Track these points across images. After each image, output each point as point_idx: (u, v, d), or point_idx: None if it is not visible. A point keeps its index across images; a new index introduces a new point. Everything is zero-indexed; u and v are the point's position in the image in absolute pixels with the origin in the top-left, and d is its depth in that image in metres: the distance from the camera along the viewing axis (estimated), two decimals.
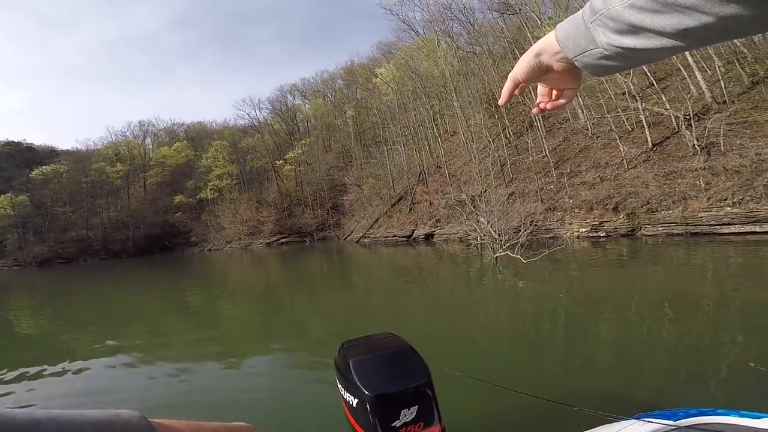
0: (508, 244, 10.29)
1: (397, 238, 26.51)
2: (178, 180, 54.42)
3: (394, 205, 31.10)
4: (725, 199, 13.01)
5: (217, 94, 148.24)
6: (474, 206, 12.76)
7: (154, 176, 56.05)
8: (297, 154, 47.89)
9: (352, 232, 33.95)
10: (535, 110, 0.81)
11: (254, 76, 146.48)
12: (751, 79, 19.58)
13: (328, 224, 39.59)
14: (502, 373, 3.97)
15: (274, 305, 9.96)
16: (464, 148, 27.28)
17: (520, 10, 29.41)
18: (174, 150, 57.74)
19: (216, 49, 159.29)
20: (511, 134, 25.14)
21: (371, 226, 31.02)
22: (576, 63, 0.61)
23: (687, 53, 19.55)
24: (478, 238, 11.93)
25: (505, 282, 8.94)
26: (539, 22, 27.85)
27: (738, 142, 15.24)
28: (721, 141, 15.29)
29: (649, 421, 1.59)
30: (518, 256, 9.63)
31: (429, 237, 23.79)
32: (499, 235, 10.69)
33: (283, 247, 37.75)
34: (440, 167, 29.64)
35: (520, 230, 10.88)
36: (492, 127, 25.77)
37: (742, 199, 12.82)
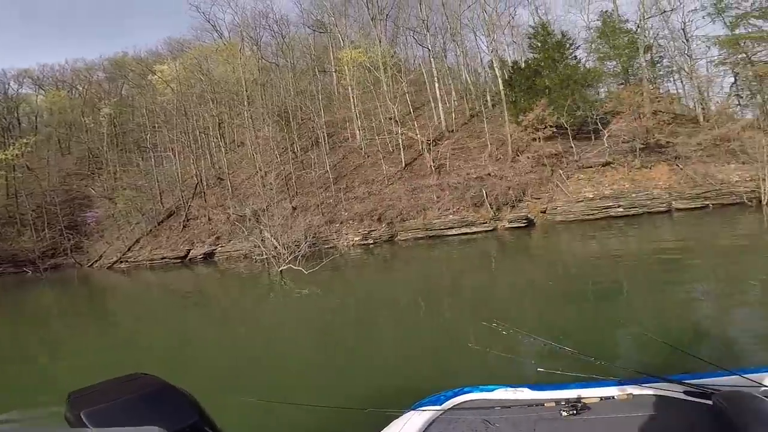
0: (291, 257, 10.62)
1: (167, 260, 22.82)
2: None
3: (162, 222, 26.71)
4: (448, 209, 17.54)
5: None
6: (258, 221, 12.57)
7: None
8: (10, 156, 34.39)
9: (101, 256, 26.99)
10: None
11: None
12: (470, 112, 27.16)
13: (62, 248, 30.04)
14: (296, 388, 3.97)
15: None
16: (250, 161, 26.40)
17: (330, 30, 31.14)
18: None
19: None
20: (299, 149, 26.07)
21: (130, 248, 25.62)
22: None
23: (436, 86, 25.52)
24: (263, 253, 11.81)
25: (292, 293, 9.19)
26: (342, 43, 30.39)
27: (457, 164, 20.85)
28: (447, 163, 20.57)
29: (423, 410, 1.82)
30: (301, 268, 10.07)
31: (209, 256, 21.67)
32: (284, 249, 10.92)
33: None
34: (222, 179, 27.57)
35: (301, 243, 11.43)
36: (281, 140, 26.03)
37: (457, 209, 17.58)
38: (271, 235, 11.60)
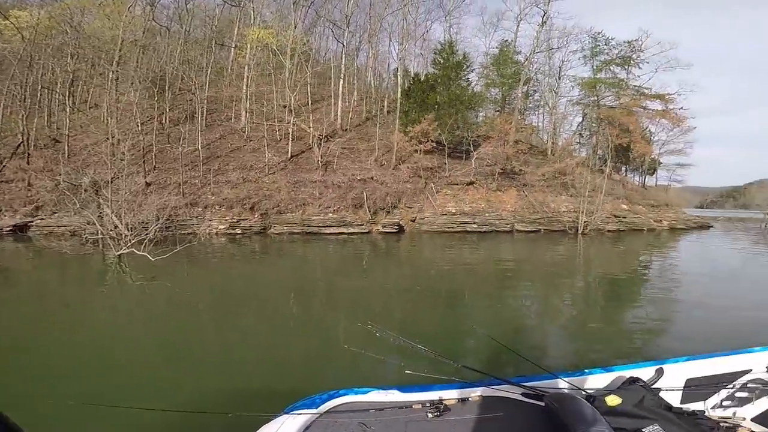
0: (135, 240, 9.00)
1: None
2: None
3: None
4: (329, 207, 17.41)
5: None
6: (97, 193, 10.31)
7: None
8: None
9: None
10: None
11: None
12: (366, 115, 27.31)
13: None
14: (141, 391, 3.37)
15: None
16: (102, 125, 21.81)
17: (243, 4, 27.88)
18: None
19: None
20: (168, 121, 22.58)
21: None
22: None
23: (341, 84, 24.91)
24: (99, 232, 9.71)
25: (132, 283, 7.77)
26: (252, 20, 27.16)
27: (344, 164, 20.86)
28: (335, 161, 20.41)
29: (298, 413, 1.73)
30: (146, 254, 8.61)
31: (21, 230, 17.08)
32: (128, 230, 9.16)
33: None
34: (59, 141, 22.17)
35: (151, 224, 9.80)
36: (148, 108, 22.14)
37: (338, 208, 17.58)
38: (113, 212, 9.63)
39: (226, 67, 27.51)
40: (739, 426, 2.22)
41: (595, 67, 30.18)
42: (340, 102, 24.86)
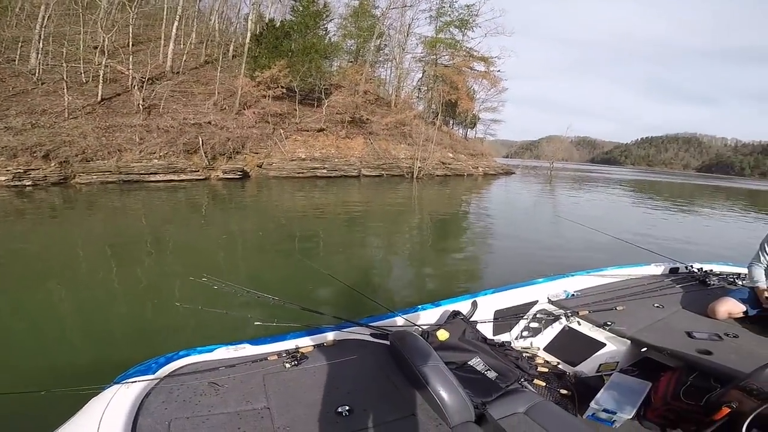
0: None
1: None
2: None
3: None
4: (154, 153, 15.34)
5: None
6: None
7: None
8: None
9: None
10: None
11: None
12: (206, 58, 24.23)
13: None
14: None
15: None
16: None
17: None
18: None
19: None
20: None
21: None
22: None
23: (174, 26, 21.11)
24: None
25: None
26: None
27: (174, 107, 18.40)
28: (162, 104, 17.84)
29: (132, 381, 1.49)
30: None
31: None
32: None
33: None
34: None
35: None
36: None
37: (166, 153, 15.65)
38: None
39: (10, 5, 21.17)
40: (536, 355, 2.53)
41: (437, 27, 32.47)
42: (172, 44, 21.53)
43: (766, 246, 2.74)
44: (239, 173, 17.03)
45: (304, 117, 21.67)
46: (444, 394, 1.45)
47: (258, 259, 6.29)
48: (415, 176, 21.16)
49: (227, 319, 2.94)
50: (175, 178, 15.22)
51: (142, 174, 14.60)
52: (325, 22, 26.86)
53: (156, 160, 15.13)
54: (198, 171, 15.94)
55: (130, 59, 19.13)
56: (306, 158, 19.39)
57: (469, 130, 36.35)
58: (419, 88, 34.98)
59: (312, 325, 2.06)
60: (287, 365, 1.72)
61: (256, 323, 1.97)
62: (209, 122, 18.28)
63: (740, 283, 2.99)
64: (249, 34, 23.08)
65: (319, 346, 1.89)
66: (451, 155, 26.40)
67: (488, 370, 1.91)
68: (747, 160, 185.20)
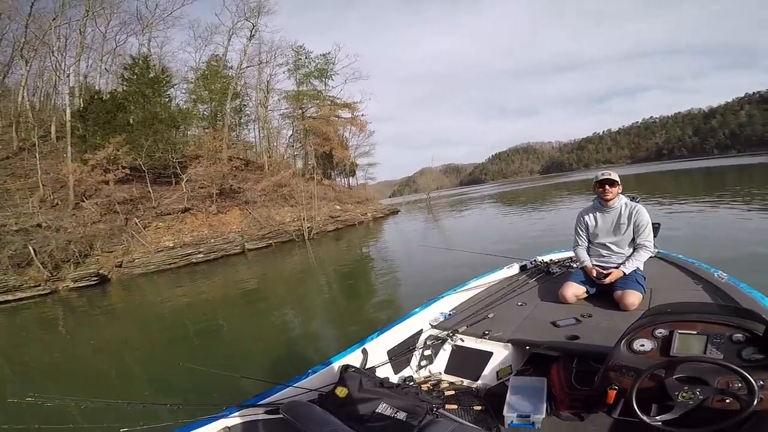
0: None
1: None
2: None
3: None
4: None
5: None
6: None
7: None
8: None
9: None
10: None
11: None
12: (19, 144, 19.67)
13: None
14: None
15: None
16: None
17: None
18: None
19: None
20: None
21: None
22: None
23: None
24: None
25: None
26: None
27: None
28: None
29: None
30: None
31: None
32: None
33: None
34: None
35: None
36: None
37: None
38: None
39: None
40: (440, 381, 2.44)
41: (297, 80, 32.88)
42: None
43: (578, 228, 3.14)
44: (94, 279, 14.04)
45: (162, 198, 19.17)
46: None
47: (128, 365, 5.80)
48: (306, 237, 20.25)
49: None
50: (10, 298, 12.24)
51: None
52: (166, 88, 25.17)
53: None
54: (39, 285, 12.96)
55: None
56: (175, 246, 16.96)
57: (351, 178, 37.14)
58: (292, 145, 34.69)
59: (200, 417, 1.77)
60: None
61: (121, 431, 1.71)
62: (38, 225, 14.84)
63: (575, 266, 3.29)
64: (68, 111, 19.78)
65: None
66: (338, 207, 26.27)
67: (397, 412, 1.89)
68: (571, 157, 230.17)
